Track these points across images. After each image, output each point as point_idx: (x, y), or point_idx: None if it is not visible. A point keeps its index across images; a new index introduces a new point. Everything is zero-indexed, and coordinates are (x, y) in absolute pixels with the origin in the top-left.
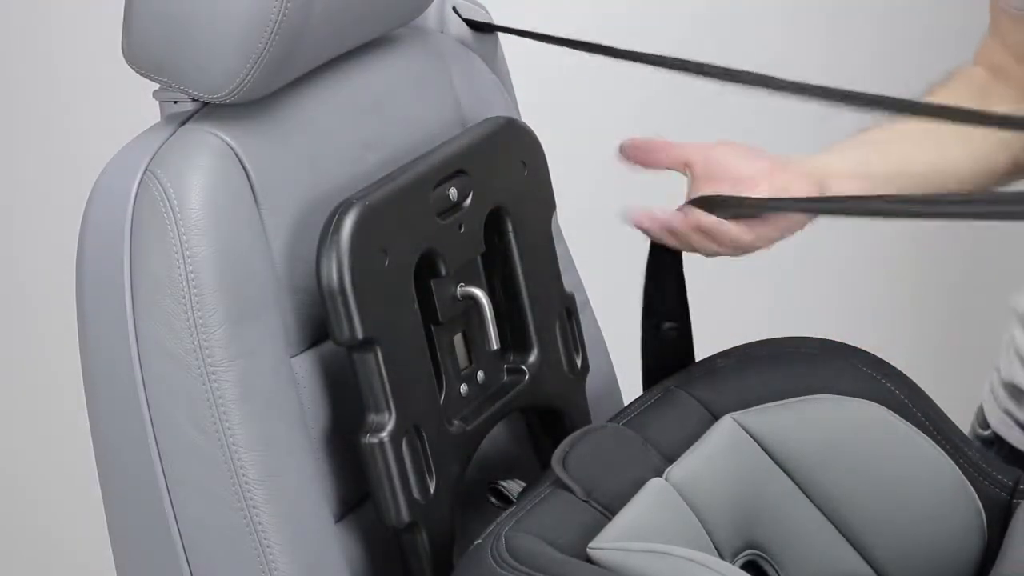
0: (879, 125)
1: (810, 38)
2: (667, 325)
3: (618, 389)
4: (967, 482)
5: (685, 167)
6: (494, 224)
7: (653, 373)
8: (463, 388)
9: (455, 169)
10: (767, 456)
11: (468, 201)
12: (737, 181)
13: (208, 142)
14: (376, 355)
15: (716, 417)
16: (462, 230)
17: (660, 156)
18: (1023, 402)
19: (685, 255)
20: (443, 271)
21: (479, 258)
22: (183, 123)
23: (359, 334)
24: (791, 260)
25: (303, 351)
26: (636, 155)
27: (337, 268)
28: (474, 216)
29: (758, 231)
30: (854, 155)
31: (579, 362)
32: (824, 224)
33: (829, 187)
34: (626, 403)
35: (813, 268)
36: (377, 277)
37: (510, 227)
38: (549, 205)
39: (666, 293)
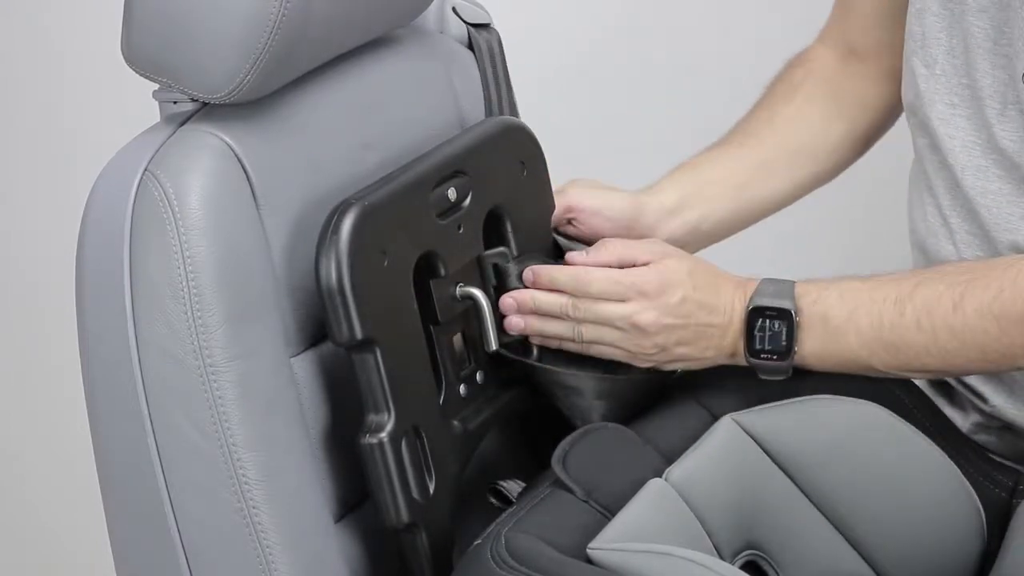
0: (705, 161)
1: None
2: None
3: None
4: (967, 482)
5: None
6: (493, 224)
7: None
8: (462, 389)
9: (454, 169)
10: (767, 456)
11: (467, 201)
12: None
13: (208, 142)
14: (375, 355)
15: (716, 417)
16: (461, 230)
17: None
18: None
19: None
20: (442, 271)
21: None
22: (183, 123)
23: (358, 334)
24: (791, 261)
25: (303, 351)
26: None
27: (336, 268)
28: (473, 216)
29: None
30: (694, 214)
31: None
32: (824, 225)
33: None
34: None
35: (814, 269)
36: (376, 277)
37: (509, 227)
38: (548, 205)
39: None
